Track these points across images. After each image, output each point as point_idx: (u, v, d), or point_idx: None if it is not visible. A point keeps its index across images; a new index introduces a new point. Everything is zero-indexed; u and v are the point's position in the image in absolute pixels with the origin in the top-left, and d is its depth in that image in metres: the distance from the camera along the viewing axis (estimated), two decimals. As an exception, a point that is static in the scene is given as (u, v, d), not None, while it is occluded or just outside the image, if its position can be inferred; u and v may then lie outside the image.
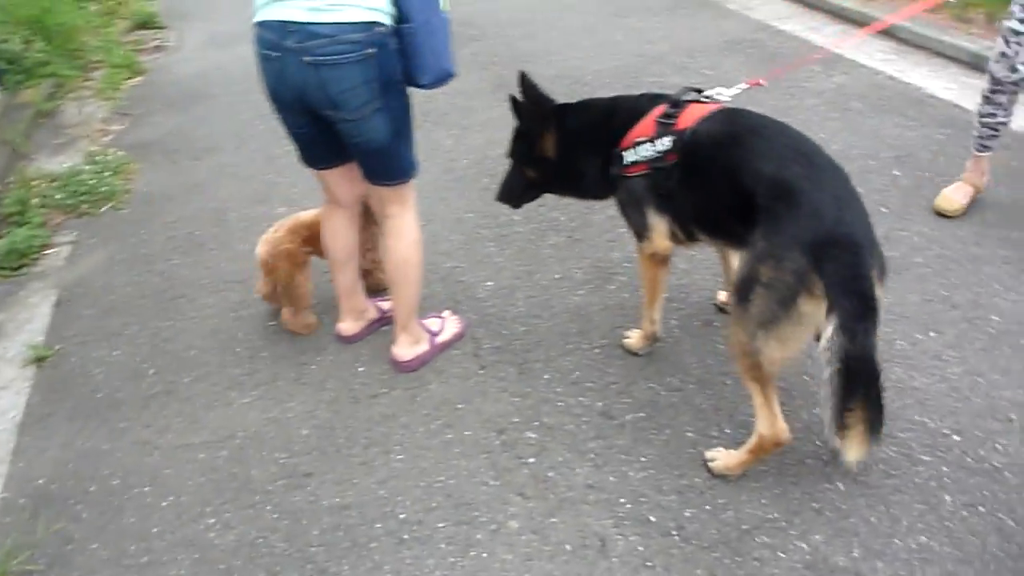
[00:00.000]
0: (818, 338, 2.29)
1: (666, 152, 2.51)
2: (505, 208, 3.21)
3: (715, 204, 2.49)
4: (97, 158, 5.04)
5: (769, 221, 2.25)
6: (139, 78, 6.54)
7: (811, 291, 2.17)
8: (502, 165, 3.07)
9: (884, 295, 2.27)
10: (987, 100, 3.56)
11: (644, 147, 2.56)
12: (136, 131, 5.60)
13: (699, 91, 2.71)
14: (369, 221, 3.25)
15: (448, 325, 3.27)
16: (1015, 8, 3.25)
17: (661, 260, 2.78)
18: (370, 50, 2.44)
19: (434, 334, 3.21)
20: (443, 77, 2.58)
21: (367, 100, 2.53)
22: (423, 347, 3.16)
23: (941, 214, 3.70)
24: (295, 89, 2.55)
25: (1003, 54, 3.36)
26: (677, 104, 2.57)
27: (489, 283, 3.61)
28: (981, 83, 3.59)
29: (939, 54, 5.43)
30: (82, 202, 4.61)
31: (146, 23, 7.67)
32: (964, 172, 3.79)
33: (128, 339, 3.52)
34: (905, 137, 4.43)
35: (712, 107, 2.57)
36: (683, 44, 6.05)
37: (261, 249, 3.22)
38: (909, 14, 3.36)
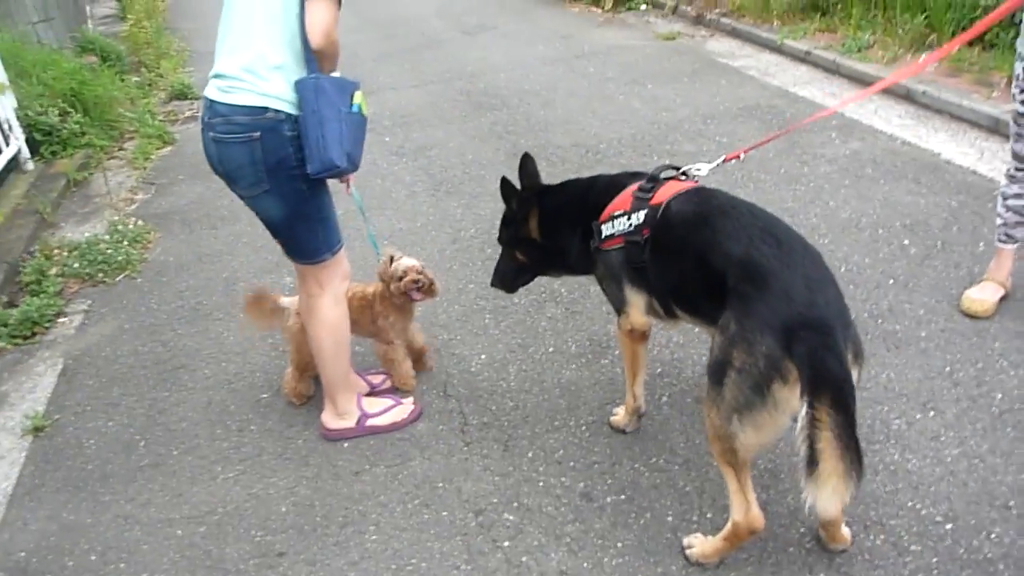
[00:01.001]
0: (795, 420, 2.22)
1: (640, 226, 2.49)
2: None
3: (686, 282, 2.46)
4: (118, 227, 5.15)
5: (739, 303, 2.20)
6: (169, 148, 6.72)
7: (785, 377, 2.10)
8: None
9: (860, 376, 2.20)
10: (1012, 179, 3.35)
11: (620, 220, 2.55)
12: (159, 200, 5.74)
13: (676, 168, 2.71)
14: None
15: (396, 411, 3.22)
16: (1016, 91, 3.15)
17: (639, 336, 2.74)
18: (254, 134, 2.54)
19: (366, 415, 3.18)
20: (327, 168, 2.54)
21: (255, 180, 2.62)
22: (348, 423, 3.16)
23: (971, 316, 3.42)
24: (209, 160, 2.72)
25: (1019, 135, 3.21)
26: (655, 180, 2.56)
27: (483, 356, 3.59)
28: (1000, 148, 3.48)
29: (958, 118, 5.35)
30: (99, 271, 4.71)
31: (182, 94, 7.90)
32: (987, 270, 3.54)
33: (125, 410, 3.55)
34: (917, 204, 4.34)
35: (688, 185, 2.55)
36: (700, 111, 6.05)
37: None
38: (912, 72, 3.29)
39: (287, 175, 2.61)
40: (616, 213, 2.61)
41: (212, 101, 2.60)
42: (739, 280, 2.23)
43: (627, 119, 6.09)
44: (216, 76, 2.61)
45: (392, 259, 3.20)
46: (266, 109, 2.52)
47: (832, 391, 2.03)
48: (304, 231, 2.79)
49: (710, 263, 2.32)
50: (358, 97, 2.58)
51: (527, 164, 2.93)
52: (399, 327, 3.30)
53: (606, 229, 2.63)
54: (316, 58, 2.51)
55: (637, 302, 2.66)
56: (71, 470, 3.24)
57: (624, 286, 2.67)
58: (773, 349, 2.10)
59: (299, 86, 2.51)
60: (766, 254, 2.23)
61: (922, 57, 3.16)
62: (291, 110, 2.54)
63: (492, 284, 3.17)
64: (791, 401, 2.13)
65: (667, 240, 2.48)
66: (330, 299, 2.93)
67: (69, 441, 3.41)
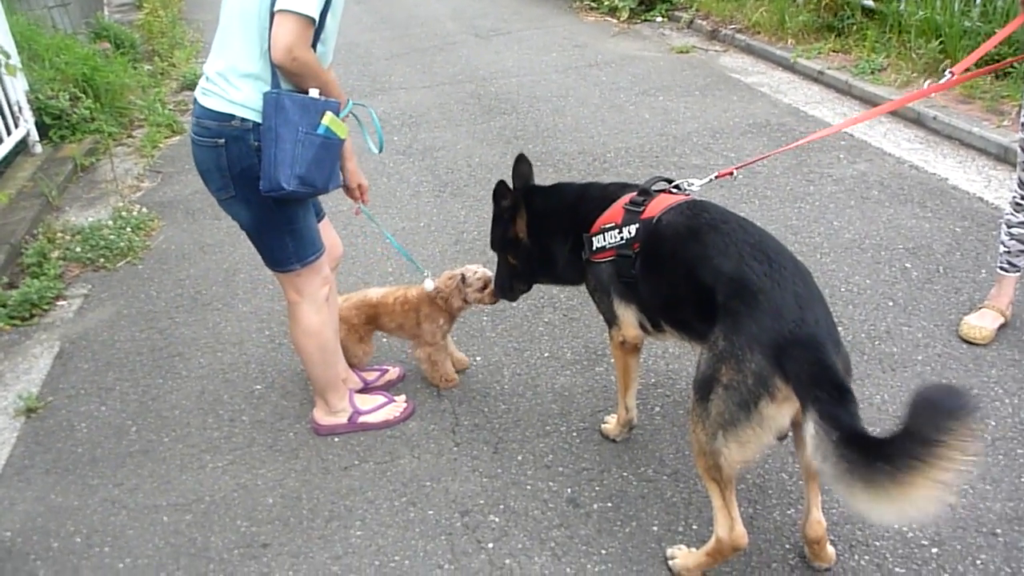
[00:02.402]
0: (781, 438, 2.23)
1: (631, 240, 2.48)
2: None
3: (676, 297, 2.45)
4: (122, 214, 5.17)
5: (728, 319, 2.19)
6: (177, 137, 6.73)
7: (773, 394, 2.09)
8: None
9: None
10: (1018, 207, 3.35)
11: (611, 233, 2.54)
12: (165, 189, 5.76)
13: (669, 181, 2.70)
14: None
15: (388, 409, 3.22)
16: (1023, 121, 3.15)
17: (631, 348, 2.74)
18: (219, 140, 2.53)
19: (359, 412, 3.18)
20: (274, 188, 2.49)
21: (222, 185, 2.63)
22: (340, 420, 3.17)
23: (969, 342, 3.40)
24: None
25: None
26: (646, 193, 2.55)
27: (478, 358, 3.58)
28: (1008, 176, 3.46)
29: (968, 145, 5.34)
30: (100, 256, 4.72)
31: (193, 84, 7.89)
32: (988, 297, 3.54)
33: (118, 395, 3.55)
34: (921, 228, 4.33)
35: (680, 198, 2.54)
36: (709, 125, 6.05)
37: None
38: (922, 95, 3.27)
39: (252, 184, 2.56)
40: (607, 226, 2.60)
41: (195, 100, 2.62)
42: (729, 296, 2.22)
43: (636, 130, 6.09)
44: (202, 76, 2.63)
45: (464, 277, 3.23)
46: (232, 117, 2.51)
47: (833, 394, 1.94)
48: (272, 240, 2.76)
49: (700, 278, 2.31)
50: (327, 119, 2.50)
51: (520, 165, 2.93)
52: (447, 329, 3.34)
53: (597, 241, 2.63)
54: (280, 73, 2.47)
55: (628, 316, 2.65)
56: (61, 452, 3.24)
57: (614, 300, 2.66)
58: (762, 366, 2.09)
59: (263, 99, 2.48)
60: (756, 271, 2.21)
61: (947, 74, 3.13)
62: (260, 120, 2.51)
63: (495, 296, 3.20)
64: (777, 419, 2.12)
65: (657, 254, 2.48)
66: (310, 306, 2.91)
67: (61, 423, 3.41)
